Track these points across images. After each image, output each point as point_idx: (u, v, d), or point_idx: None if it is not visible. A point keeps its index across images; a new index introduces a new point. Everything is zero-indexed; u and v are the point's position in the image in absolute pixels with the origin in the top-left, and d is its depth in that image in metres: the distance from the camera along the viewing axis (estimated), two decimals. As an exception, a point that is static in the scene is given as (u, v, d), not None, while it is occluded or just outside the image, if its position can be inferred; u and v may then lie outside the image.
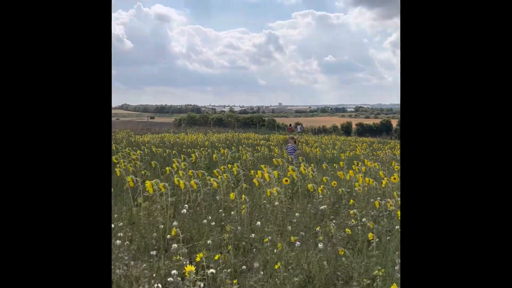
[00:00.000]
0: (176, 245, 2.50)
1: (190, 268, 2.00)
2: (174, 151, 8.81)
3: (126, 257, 2.28)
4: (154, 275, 2.22)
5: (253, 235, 3.12)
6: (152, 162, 6.44)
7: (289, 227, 3.36)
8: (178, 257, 2.41)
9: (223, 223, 3.52)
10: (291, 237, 3.08)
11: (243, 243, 3.05)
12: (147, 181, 3.91)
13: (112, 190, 4.60)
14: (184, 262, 2.38)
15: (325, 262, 2.66)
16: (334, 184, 5.08)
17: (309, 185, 4.75)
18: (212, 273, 2.16)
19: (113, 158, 6.63)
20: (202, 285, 2.02)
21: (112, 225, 2.97)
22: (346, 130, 37.33)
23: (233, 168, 5.71)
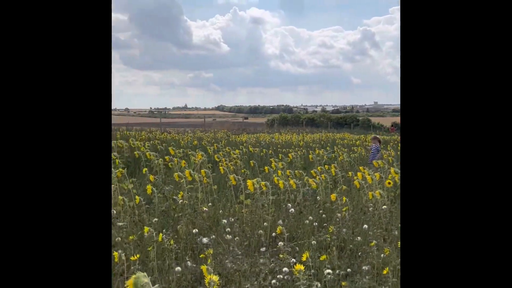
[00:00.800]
0: (282, 243, 2.56)
1: (299, 267, 2.03)
2: (270, 151, 8.99)
3: (240, 252, 2.40)
4: (266, 271, 2.30)
5: (359, 238, 3.07)
6: (251, 162, 6.66)
7: (396, 232, 3.23)
8: (284, 255, 2.47)
9: (325, 224, 3.51)
10: (399, 243, 2.95)
11: (351, 246, 3.01)
12: (248, 180, 4.06)
13: (216, 187, 4.88)
14: (291, 261, 2.43)
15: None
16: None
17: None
18: (329, 273, 2.16)
19: (215, 156, 7.01)
20: (319, 284, 2.04)
21: (224, 221, 3.14)
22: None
23: (331, 169, 5.65)
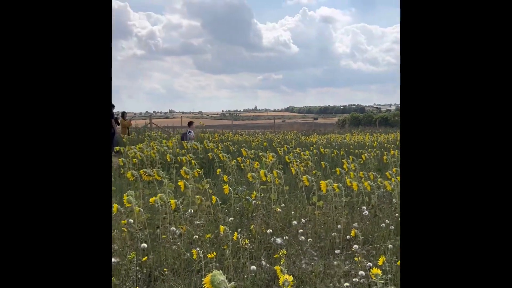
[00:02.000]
0: (357, 246, 2.50)
1: (376, 271, 1.98)
2: (342, 151, 8.82)
3: (315, 254, 2.39)
4: (341, 273, 2.27)
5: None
6: (322, 163, 6.59)
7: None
8: (360, 258, 2.41)
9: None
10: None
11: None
12: (321, 181, 4.02)
13: (287, 188, 4.90)
14: (366, 264, 2.36)
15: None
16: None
17: None
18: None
19: (286, 157, 7.04)
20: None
21: (295, 222, 3.15)
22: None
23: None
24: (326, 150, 9.15)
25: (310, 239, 2.80)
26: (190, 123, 11.19)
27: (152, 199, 3.11)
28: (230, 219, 3.44)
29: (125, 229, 2.72)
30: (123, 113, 13.07)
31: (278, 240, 2.71)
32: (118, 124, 11.75)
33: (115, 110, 11.40)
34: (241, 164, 6.34)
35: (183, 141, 9.01)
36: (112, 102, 11.31)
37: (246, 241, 2.68)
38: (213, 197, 3.75)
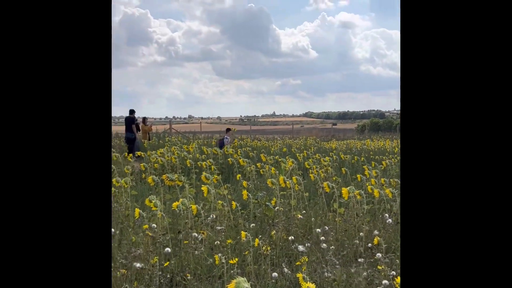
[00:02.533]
0: (380, 255, 2.47)
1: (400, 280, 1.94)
2: (362, 158, 8.72)
3: (338, 262, 2.37)
4: (364, 282, 2.24)
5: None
6: (343, 169, 6.52)
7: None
8: (383, 266, 2.38)
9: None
10: None
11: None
12: (343, 188, 3.99)
13: (307, 194, 4.86)
14: (390, 273, 2.33)
15: None
16: None
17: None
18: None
19: (305, 163, 7.00)
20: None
21: (318, 229, 3.13)
22: None
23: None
24: (346, 156, 9.07)
25: (332, 246, 2.77)
26: (227, 130, 11.37)
27: (175, 204, 3.15)
28: (252, 225, 3.44)
29: (149, 233, 2.75)
30: (144, 119, 13.26)
31: (300, 247, 2.70)
32: (139, 130, 11.92)
33: (135, 116, 11.58)
34: (261, 170, 6.34)
35: (220, 148, 9.10)
36: (133, 108, 11.50)
37: (268, 248, 2.67)
38: (233, 202, 3.76)
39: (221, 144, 10.45)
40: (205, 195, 3.80)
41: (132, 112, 11.39)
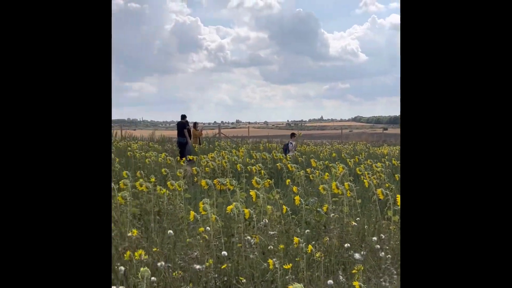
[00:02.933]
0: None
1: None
2: (416, 164, 8.37)
3: (395, 272, 2.30)
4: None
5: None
6: (396, 175, 6.32)
7: None
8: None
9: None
10: None
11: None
12: (398, 195, 3.85)
13: (360, 201, 4.75)
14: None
15: None
16: None
17: None
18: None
19: (357, 169, 6.85)
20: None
21: (374, 238, 3.04)
22: None
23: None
24: (399, 162, 8.76)
25: (389, 255, 2.69)
26: (292, 135, 11.46)
27: (229, 208, 3.20)
28: (306, 231, 3.42)
29: (206, 236, 2.81)
30: (195, 124, 13.63)
31: (357, 255, 2.64)
32: (190, 135, 12.26)
33: (187, 120, 11.92)
34: (310, 175, 6.29)
35: (284, 153, 9.21)
36: (184, 113, 11.85)
37: (322, 255, 2.64)
38: (284, 207, 3.75)
39: (285, 150, 10.50)
40: (253, 200, 3.83)
41: (183, 117, 11.73)
